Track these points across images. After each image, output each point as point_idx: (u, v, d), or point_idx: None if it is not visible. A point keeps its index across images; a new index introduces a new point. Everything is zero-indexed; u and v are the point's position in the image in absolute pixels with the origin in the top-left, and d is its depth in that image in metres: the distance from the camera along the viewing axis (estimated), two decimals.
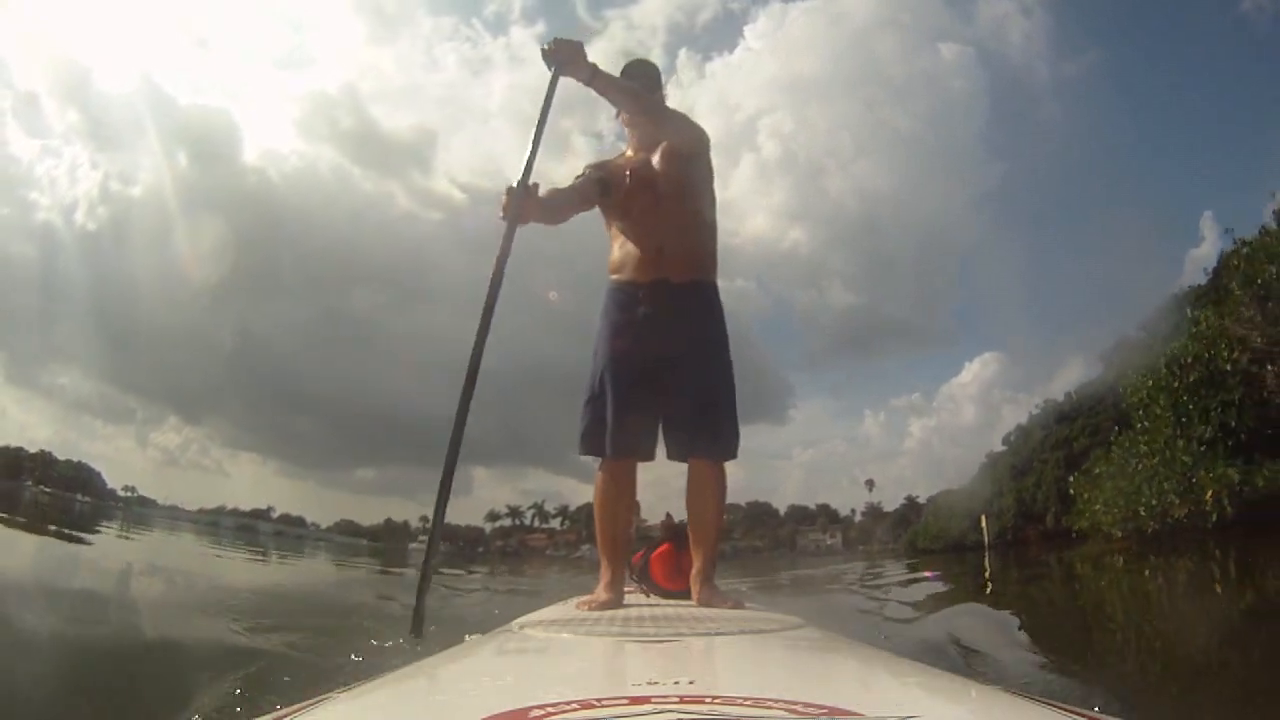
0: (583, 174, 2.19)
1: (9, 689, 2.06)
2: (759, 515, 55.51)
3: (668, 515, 2.66)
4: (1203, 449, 8.25)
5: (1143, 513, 8.46)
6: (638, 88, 2.18)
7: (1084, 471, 13.11)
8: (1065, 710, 0.70)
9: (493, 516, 57.91)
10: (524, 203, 2.00)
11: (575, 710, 0.60)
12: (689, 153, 2.17)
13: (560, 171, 2.10)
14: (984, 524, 18.29)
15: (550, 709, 0.60)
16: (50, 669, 2.33)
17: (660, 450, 2.11)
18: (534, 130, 2.13)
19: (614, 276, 2.14)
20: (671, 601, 2.18)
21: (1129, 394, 10.87)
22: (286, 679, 2.32)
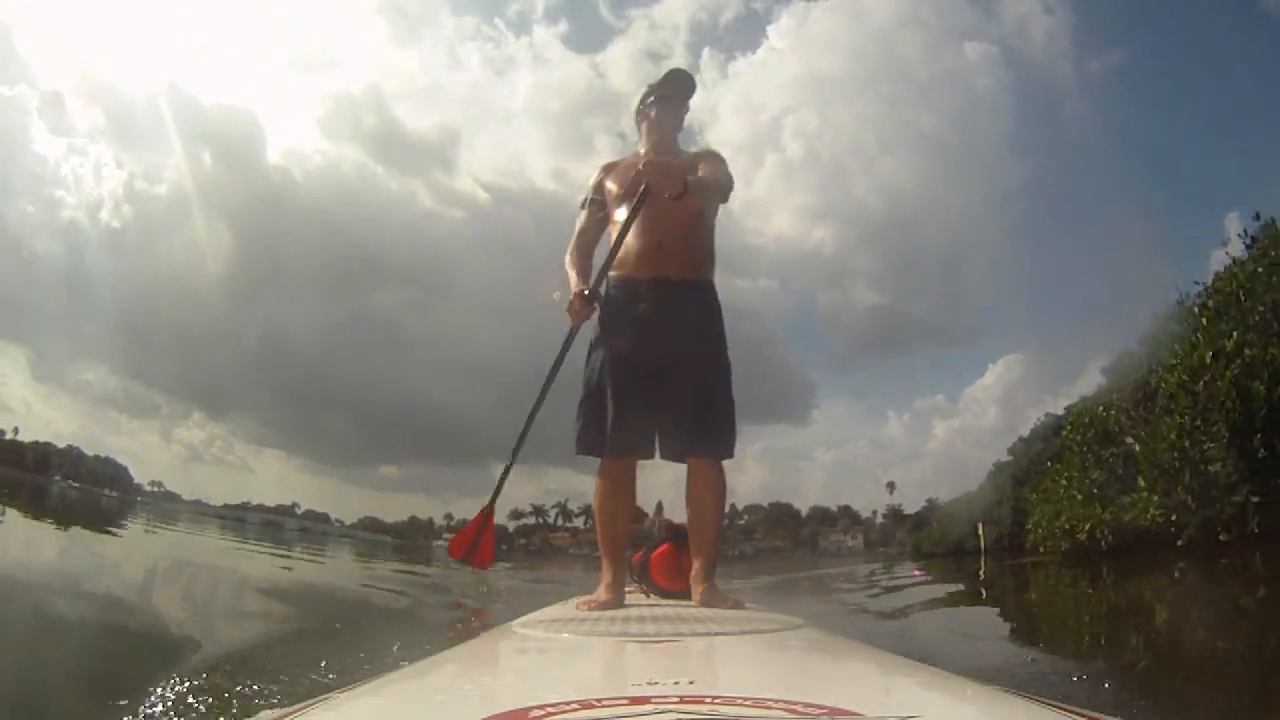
0: (585, 198, 2.24)
1: (31, 679, 2.09)
2: (781, 516, 55.51)
3: (665, 516, 2.66)
4: (1094, 490, 10.07)
5: (1058, 534, 10.54)
6: (722, 188, 2.18)
7: (1032, 489, 15.09)
8: (1065, 710, 0.70)
9: (516, 515, 57.91)
10: (591, 307, 2.08)
11: (575, 710, 0.60)
12: (698, 159, 2.19)
13: (583, 169, 2.13)
14: (980, 530, 18.90)
15: (550, 709, 0.60)
16: (69, 659, 2.36)
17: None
18: (608, 254, 2.13)
19: (614, 272, 2.14)
20: (671, 601, 2.18)
21: (1067, 428, 12.35)
22: (306, 676, 2.35)
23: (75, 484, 38.50)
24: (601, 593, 1.96)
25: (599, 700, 0.65)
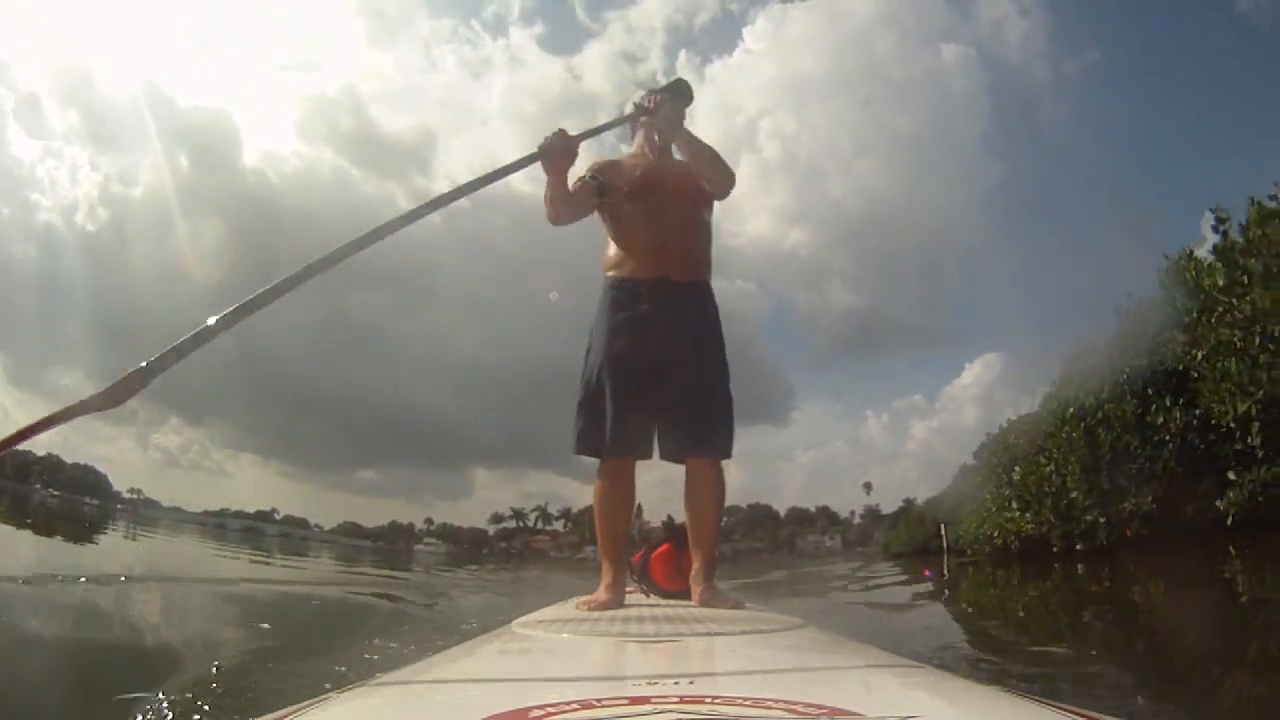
0: (584, 176, 2.18)
1: (12, 688, 2.08)
2: (759, 517, 55.67)
3: (668, 516, 2.66)
4: (1002, 502, 11.86)
5: (980, 539, 12.47)
6: (711, 151, 2.18)
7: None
8: (1065, 710, 0.70)
9: (496, 519, 58.11)
10: (567, 146, 2.00)
11: (575, 710, 0.60)
12: (713, 181, 2.19)
13: (575, 169, 2.10)
14: (943, 531, 19.65)
15: (550, 709, 0.60)
16: (54, 669, 2.34)
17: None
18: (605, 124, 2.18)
19: (612, 273, 2.14)
20: (671, 602, 2.18)
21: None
22: (294, 678, 2.34)
23: (55, 492, 38.20)
24: (601, 593, 1.96)
25: (599, 700, 0.65)
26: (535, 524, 58.26)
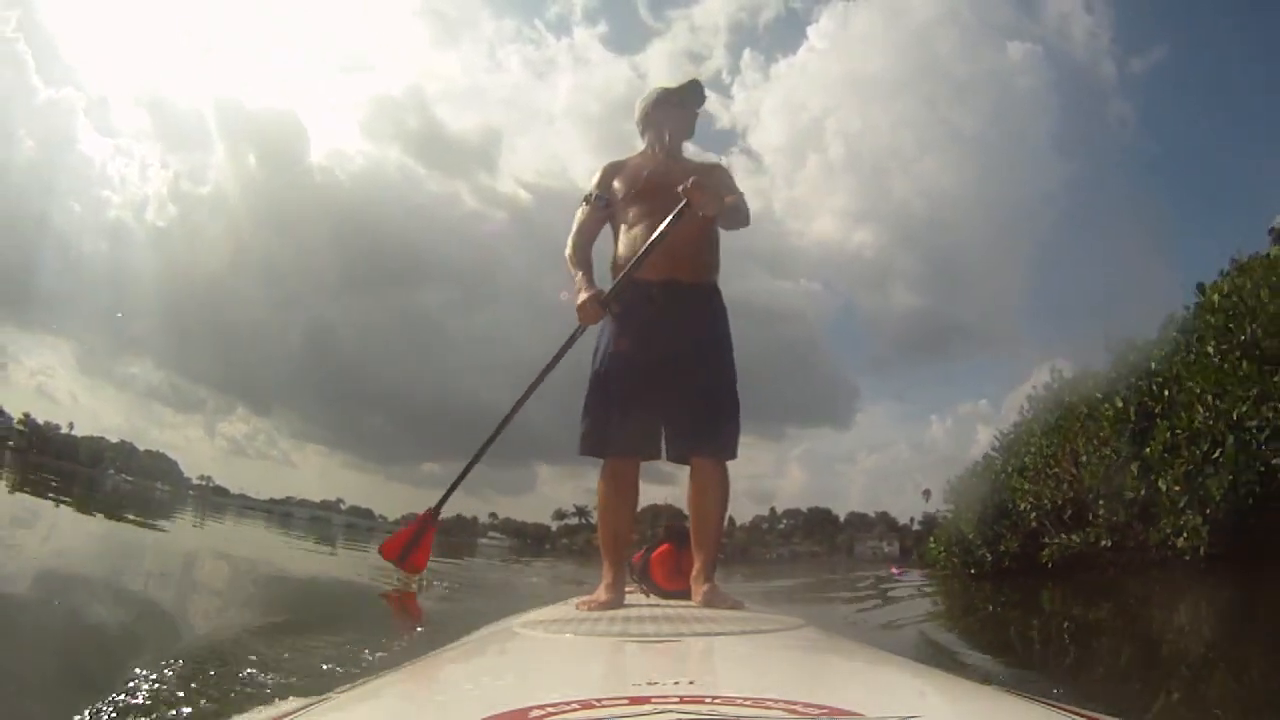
0: (591, 194, 2.21)
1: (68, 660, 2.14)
2: (818, 521, 55.48)
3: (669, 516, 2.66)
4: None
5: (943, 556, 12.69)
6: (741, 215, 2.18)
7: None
8: (1065, 710, 0.70)
9: (560, 515, 58.10)
10: (603, 311, 2.06)
11: (575, 710, 0.60)
12: (709, 166, 2.23)
13: (590, 162, 2.12)
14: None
15: (550, 709, 0.60)
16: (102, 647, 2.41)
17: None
18: (639, 257, 2.06)
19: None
20: (672, 602, 2.18)
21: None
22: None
23: (128, 478, 39.38)
24: (601, 593, 1.96)
25: (599, 700, 0.65)
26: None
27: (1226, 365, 5.38)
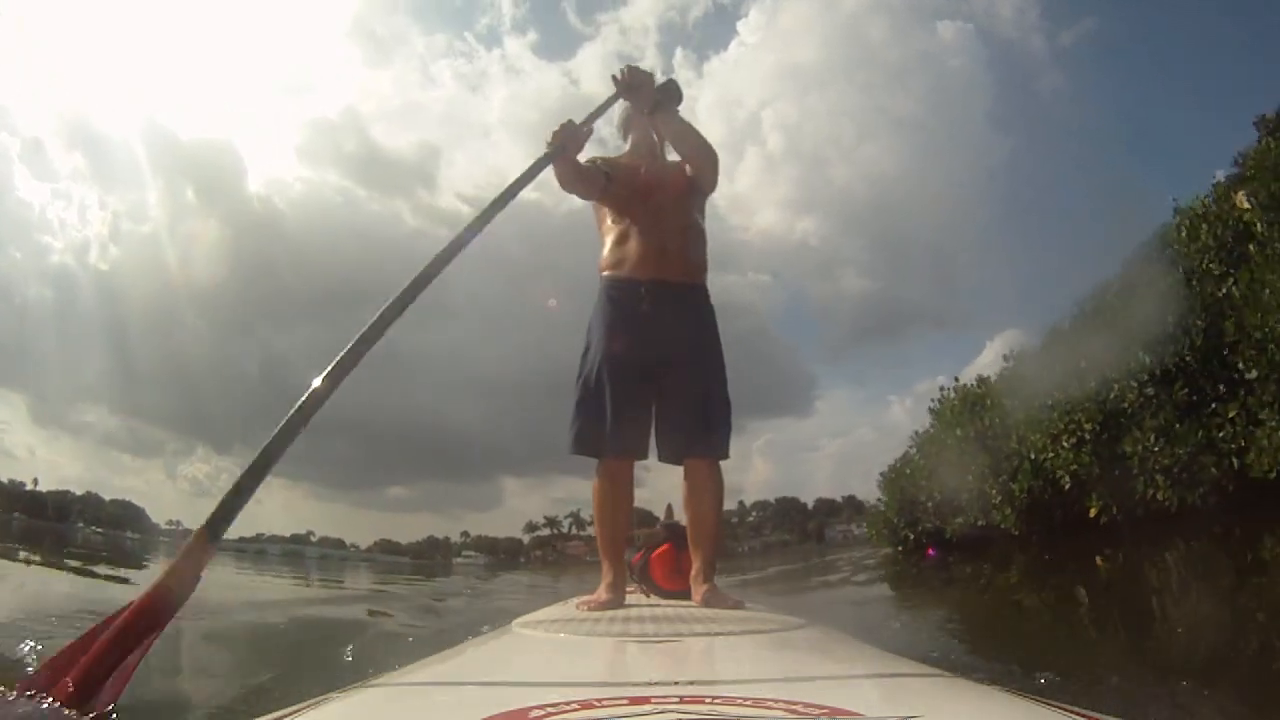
0: (594, 160, 2.19)
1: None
2: (787, 510, 55.75)
3: (669, 511, 2.66)
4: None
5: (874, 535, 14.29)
6: (695, 130, 2.19)
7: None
8: (1065, 710, 0.70)
9: (531, 527, 58.73)
10: (576, 136, 2.04)
11: (575, 710, 0.60)
12: (699, 164, 2.20)
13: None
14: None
15: (550, 709, 0.60)
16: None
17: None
18: (599, 107, 2.15)
19: (610, 273, 2.14)
20: (671, 601, 2.18)
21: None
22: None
23: (98, 529, 39.47)
24: (601, 593, 1.96)
25: (599, 700, 0.65)
26: (569, 530, 58.38)
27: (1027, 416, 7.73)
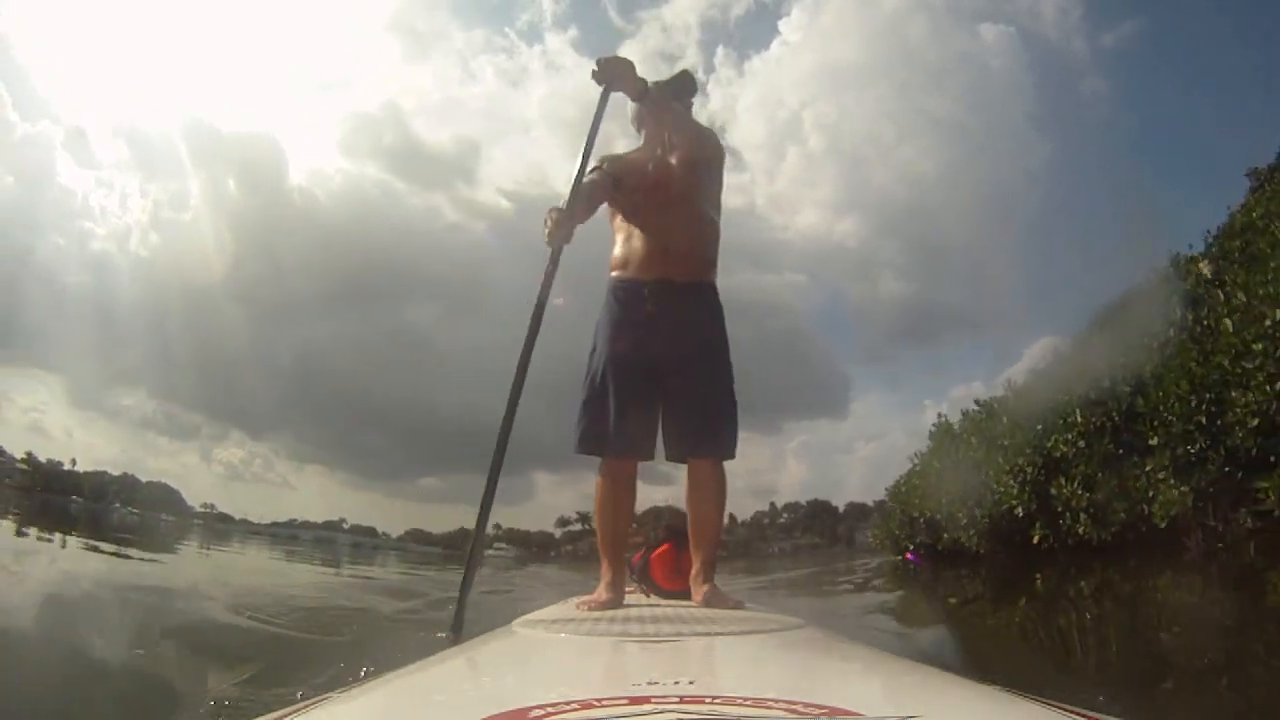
0: (596, 168, 2.18)
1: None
2: (818, 513, 55.59)
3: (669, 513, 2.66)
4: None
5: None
6: (682, 109, 2.19)
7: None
8: (1065, 710, 0.70)
9: (563, 522, 58.39)
10: (570, 226, 2.01)
11: (575, 710, 0.60)
12: (706, 158, 2.20)
13: (569, 168, 2.10)
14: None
15: (550, 709, 0.60)
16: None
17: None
18: (583, 147, 2.06)
19: (617, 273, 2.14)
20: (672, 601, 2.18)
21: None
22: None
23: (134, 510, 39.68)
24: (601, 592, 1.96)
25: (599, 700, 0.65)
26: None
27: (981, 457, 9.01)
